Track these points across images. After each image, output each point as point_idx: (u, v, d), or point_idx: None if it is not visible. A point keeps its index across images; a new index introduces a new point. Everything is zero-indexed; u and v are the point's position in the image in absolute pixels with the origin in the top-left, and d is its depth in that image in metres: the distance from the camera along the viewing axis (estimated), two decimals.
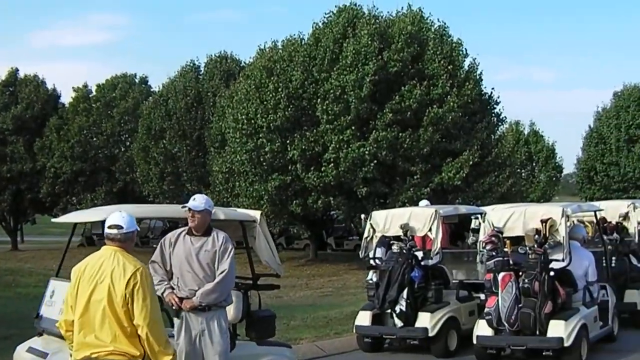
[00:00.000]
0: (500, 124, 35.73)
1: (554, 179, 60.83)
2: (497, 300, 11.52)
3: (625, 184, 51.66)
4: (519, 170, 54.64)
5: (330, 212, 36.29)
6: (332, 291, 24.75)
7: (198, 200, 8.48)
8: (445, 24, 33.42)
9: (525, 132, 61.35)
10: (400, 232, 13.10)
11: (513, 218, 12.35)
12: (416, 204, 23.19)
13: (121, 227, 6.55)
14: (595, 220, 15.10)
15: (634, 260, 16.02)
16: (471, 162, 29.91)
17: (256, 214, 10.07)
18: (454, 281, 14.11)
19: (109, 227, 6.58)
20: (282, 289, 24.59)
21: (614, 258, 15.22)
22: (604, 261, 14.44)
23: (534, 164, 60.56)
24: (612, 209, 16.98)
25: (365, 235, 13.64)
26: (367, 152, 29.07)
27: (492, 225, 12.35)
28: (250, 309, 9.78)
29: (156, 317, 6.42)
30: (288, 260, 37.48)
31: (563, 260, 11.82)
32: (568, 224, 12.64)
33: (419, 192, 29.12)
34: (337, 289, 25.10)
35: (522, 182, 53.26)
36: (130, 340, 6.35)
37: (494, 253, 11.83)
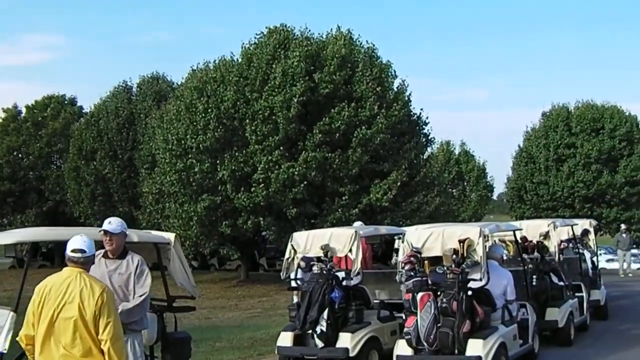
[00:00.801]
0: (429, 144, 36.06)
1: (485, 198, 61.43)
2: (416, 320, 11.59)
3: (554, 202, 52.47)
4: (450, 189, 55.24)
5: (262, 233, 36.25)
6: (260, 312, 24.71)
7: (114, 223, 8.51)
8: (374, 45, 33.72)
9: (456, 152, 61.98)
10: (321, 253, 13.14)
11: (432, 238, 12.46)
12: (345, 225, 23.32)
13: (84, 251, 6.98)
14: (515, 240, 15.29)
15: (555, 279, 16.28)
16: (399, 183, 30.13)
17: (170, 236, 10.09)
18: (375, 301, 14.16)
19: (73, 251, 6.97)
20: (212, 310, 24.80)
21: (534, 277, 15.46)
22: (524, 280, 14.65)
23: (465, 184, 61.18)
24: (532, 228, 17.26)
25: (287, 256, 13.65)
26: (296, 173, 29.12)
27: (411, 245, 12.46)
28: (167, 330, 9.76)
29: (119, 334, 6.84)
30: (220, 281, 37.41)
31: (481, 279, 11.93)
32: (487, 243, 12.79)
33: (348, 213, 29.27)
34: (266, 310, 25.07)
35: (454, 201, 53.79)
36: (101, 355, 6.78)
37: (412, 273, 11.92)
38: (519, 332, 13.10)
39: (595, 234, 21.86)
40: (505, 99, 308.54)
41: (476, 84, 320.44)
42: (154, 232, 11.10)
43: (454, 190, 59.02)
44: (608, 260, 56.47)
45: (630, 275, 34.96)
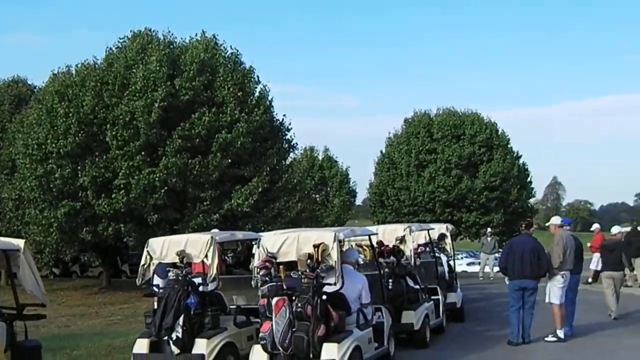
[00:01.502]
0: (291, 150, 36.28)
1: (347, 203, 62.00)
2: (272, 325, 11.62)
3: (415, 207, 53.35)
4: (314, 195, 55.62)
5: (123, 239, 35.83)
6: (121, 319, 24.33)
7: None
8: (237, 51, 33.75)
9: (320, 158, 62.39)
10: (177, 259, 13.05)
11: (287, 243, 12.50)
12: (206, 230, 23.21)
13: None
14: (370, 244, 15.47)
15: (411, 282, 16.55)
16: (260, 188, 30.27)
17: (20, 242, 9.89)
18: (232, 307, 14.14)
19: None
20: (71, 318, 24.34)
21: (390, 280, 15.64)
22: (380, 284, 14.85)
23: (328, 189, 61.62)
24: (389, 233, 17.51)
25: (142, 262, 13.48)
26: (157, 179, 28.94)
27: (266, 250, 12.49)
28: (16, 339, 9.55)
29: None
30: (81, 288, 36.77)
31: (335, 283, 12.04)
32: (344, 248, 12.91)
33: (209, 219, 29.23)
34: (127, 317, 24.70)
35: (317, 206, 54.18)
36: None
37: (267, 278, 11.95)
38: (375, 335, 13.22)
39: (455, 238, 22.40)
40: (375, 105, 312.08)
41: (348, 91, 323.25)
42: (3, 239, 10.84)
43: (317, 196, 59.45)
44: (469, 264, 57.78)
45: (491, 278, 35.79)
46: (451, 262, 21.70)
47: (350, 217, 65.71)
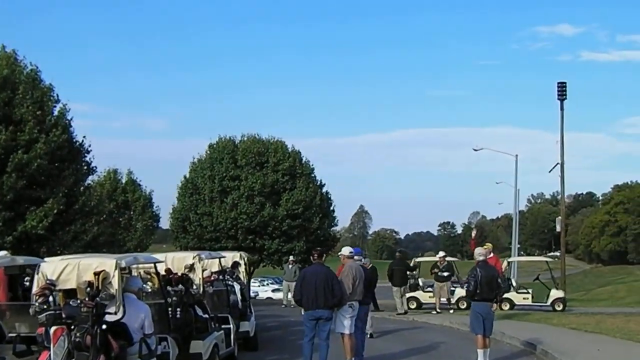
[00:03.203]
0: (90, 172, 35.43)
1: (150, 228, 61.05)
2: (49, 355, 11.21)
3: (217, 233, 52.94)
4: (117, 218, 54.59)
5: None
6: None
7: None
8: (37, 67, 32.73)
9: (123, 181, 61.22)
10: None
11: (67, 270, 12.08)
12: None
13: None
14: (156, 272, 15.14)
15: (200, 311, 16.33)
16: (56, 210, 29.39)
17: None
18: (10, 335, 13.55)
19: None
20: None
21: (179, 309, 15.40)
22: (167, 313, 14.58)
23: (131, 212, 60.47)
24: (178, 261, 17.27)
25: None
26: None
27: (46, 277, 12.05)
28: None
29: None
30: None
31: (116, 313, 11.74)
32: (127, 276, 12.60)
33: (2, 240, 28.16)
34: None
35: (120, 230, 53.23)
36: None
37: (45, 306, 11.54)
38: None
39: (257, 265, 22.26)
40: (184, 129, 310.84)
41: (156, 114, 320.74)
42: None
43: (121, 220, 58.35)
44: (274, 290, 57.90)
45: (292, 305, 35.95)
46: (245, 291, 21.59)
47: (154, 242, 64.75)
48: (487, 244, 27.44)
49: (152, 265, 14.91)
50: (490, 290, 16.74)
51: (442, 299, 32.75)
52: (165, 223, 61.02)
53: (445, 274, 32.22)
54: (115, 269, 11.86)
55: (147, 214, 60.21)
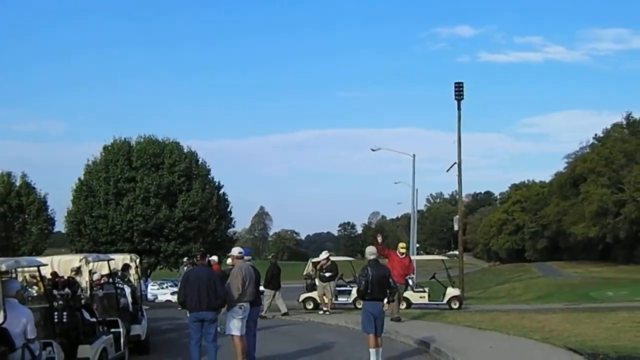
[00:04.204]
0: None
1: (45, 231, 59.99)
2: None
3: (113, 236, 52.45)
4: (14, 222, 53.70)
5: None
6: None
7: None
8: None
9: (17, 184, 60.00)
10: None
11: None
12: None
13: None
14: (39, 276, 14.74)
15: (87, 315, 15.98)
16: None
17: None
18: None
19: None
20: None
21: (65, 313, 15.04)
22: (51, 317, 14.23)
23: (26, 216, 59.32)
24: (64, 264, 16.95)
25: None
26: None
27: None
28: None
29: None
30: None
31: None
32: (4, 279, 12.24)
33: None
34: None
35: (14, 234, 52.34)
36: None
37: None
38: None
39: (154, 268, 21.91)
40: (83, 132, 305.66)
41: (54, 115, 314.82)
42: None
43: (15, 224, 57.32)
44: (173, 293, 57.49)
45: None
46: (136, 293, 21.26)
47: (51, 245, 63.73)
48: (401, 243, 27.45)
49: (35, 268, 14.51)
50: (381, 289, 16.76)
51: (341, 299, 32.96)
52: (61, 226, 60.06)
53: (327, 274, 32.06)
54: None
55: (42, 217, 59.31)
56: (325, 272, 32.27)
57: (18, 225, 58.05)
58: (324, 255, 33.44)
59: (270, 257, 37.50)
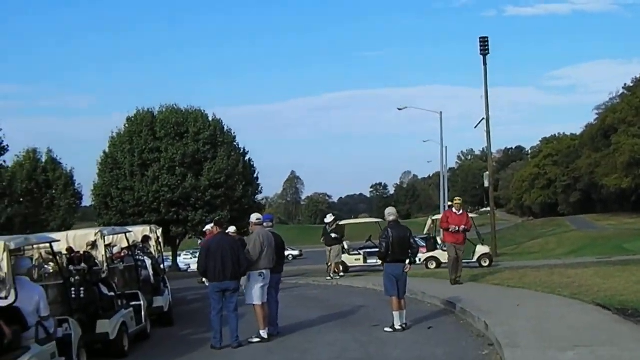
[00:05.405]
0: (1, 152, 34.58)
1: (73, 206, 60.04)
2: None
3: (140, 208, 52.37)
4: (41, 198, 53.76)
5: None
6: None
7: None
8: None
9: (43, 160, 60.00)
10: None
11: None
12: None
13: None
14: (52, 252, 14.54)
15: (105, 289, 15.79)
16: None
17: None
18: None
19: None
20: None
21: (82, 289, 14.85)
22: (68, 293, 14.04)
23: (53, 192, 59.37)
24: (79, 239, 16.73)
25: None
26: None
27: None
28: None
29: None
30: None
31: (7, 297, 11.17)
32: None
33: None
34: None
35: (42, 210, 52.36)
36: None
37: None
38: (61, 349, 12.41)
39: (183, 238, 21.65)
40: (108, 104, 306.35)
41: (79, 89, 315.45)
42: None
43: (43, 199, 57.37)
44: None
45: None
46: (157, 265, 21.07)
47: (79, 220, 63.73)
48: (456, 198, 26.87)
49: (47, 245, 14.30)
50: (402, 250, 16.47)
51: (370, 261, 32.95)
52: (89, 201, 60.10)
53: (333, 235, 31.67)
54: (4, 251, 11.24)
55: (69, 192, 59.29)
56: (331, 233, 31.83)
57: (46, 201, 58.10)
58: (329, 218, 33.04)
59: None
